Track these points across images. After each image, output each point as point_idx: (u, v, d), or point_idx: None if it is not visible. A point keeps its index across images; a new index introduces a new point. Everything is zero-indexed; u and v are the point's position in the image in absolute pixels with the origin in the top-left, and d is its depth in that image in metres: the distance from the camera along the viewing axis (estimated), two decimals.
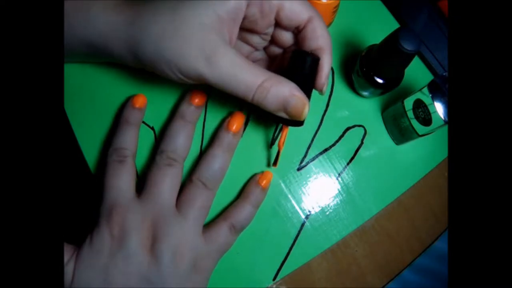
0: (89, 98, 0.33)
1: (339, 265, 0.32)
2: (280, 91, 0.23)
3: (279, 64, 0.30)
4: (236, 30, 0.25)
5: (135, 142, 0.30)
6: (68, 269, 0.26)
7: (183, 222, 0.27)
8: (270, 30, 0.27)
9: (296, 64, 0.26)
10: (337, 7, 0.32)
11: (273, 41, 0.29)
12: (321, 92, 0.27)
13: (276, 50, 0.30)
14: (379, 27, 0.35)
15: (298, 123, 0.26)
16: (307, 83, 0.26)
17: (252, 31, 0.27)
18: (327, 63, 0.26)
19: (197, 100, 0.30)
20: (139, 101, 0.31)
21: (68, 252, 0.26)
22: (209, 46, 0.23)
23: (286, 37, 0.28)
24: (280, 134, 0.31)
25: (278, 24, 0.26)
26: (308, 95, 0.26)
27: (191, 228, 0.27)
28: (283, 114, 0.25)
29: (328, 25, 0.34)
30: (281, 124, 0.31)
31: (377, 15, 0.37)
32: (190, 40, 0.23)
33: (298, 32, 0.27)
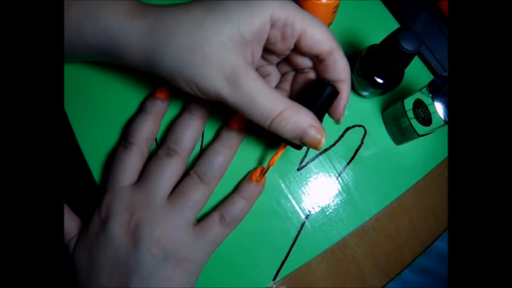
0: (89, 97, 0.32)
1: (339, 265, 0.32)
2: (299, 122, 0.23)
3: (290, 83, 0.29)
4: (259, 51, 0.25)
5: (147, 131, 0.30)
6: (71, 244, 0.28)
7: (170, 213, 0.27)
8: (287, 52, 0.27)
9: (317, 93, 0.25)
10: (337, 7, 0.32)
11: (287, 60, 0.28)
12: (338, 122, 0.28)
13: (287, 68, 0.29)
14: (379, 27, 0.35)
15: (299, 146, 0.26)
16: (322, 112, 0.26)
17: (269, 51, 0.27)
18: (346, 95, 0.26)
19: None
20: (160, 92, 0.30)
21: (75, 229, 0.28)
22: (231, 66, 0.22)
23: (302, 61, 0.27)
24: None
25: (296, 49, 0.26)
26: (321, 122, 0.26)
27: (178, 219, 0.27)
28: (297, 142, 0.24)
29: (328, 25, 0.34)
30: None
31: (377, 15, 0.37)
32: (212, 59, 0.22)
33: (318, 61, 0.26)
